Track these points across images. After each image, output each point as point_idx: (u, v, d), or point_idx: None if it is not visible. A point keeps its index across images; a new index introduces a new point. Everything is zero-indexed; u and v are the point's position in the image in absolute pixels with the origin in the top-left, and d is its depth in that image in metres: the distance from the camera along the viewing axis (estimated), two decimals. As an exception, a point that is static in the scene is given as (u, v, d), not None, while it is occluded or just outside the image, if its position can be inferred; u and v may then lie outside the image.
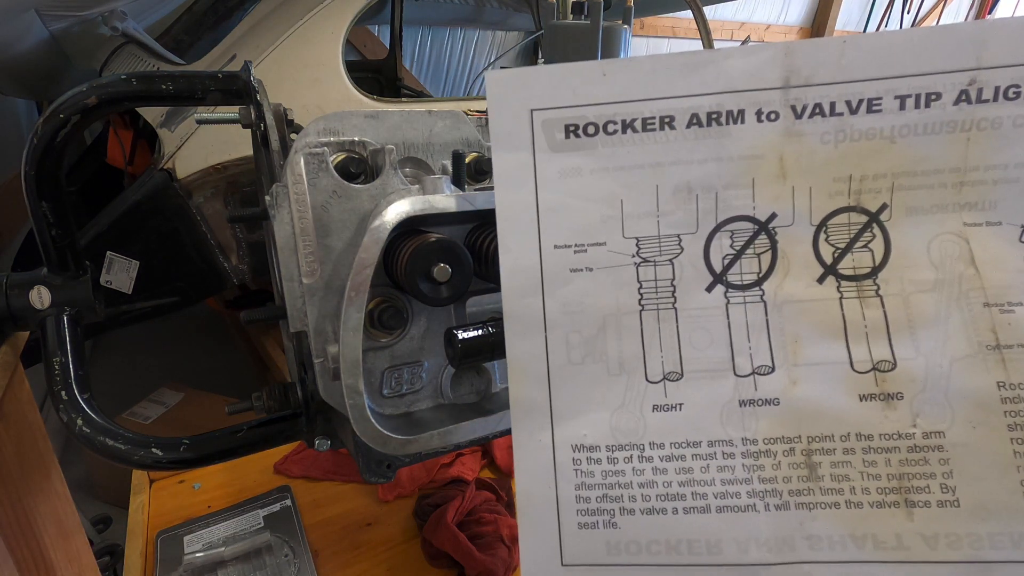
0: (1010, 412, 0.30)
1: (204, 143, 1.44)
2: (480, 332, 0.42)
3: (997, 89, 0.31)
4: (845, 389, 0.31)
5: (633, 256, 0.33)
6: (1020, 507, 0.30)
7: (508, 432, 0.50)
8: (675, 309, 0.32)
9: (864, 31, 4.92)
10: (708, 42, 1.00)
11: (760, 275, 0.33)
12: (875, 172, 0.32)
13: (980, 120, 0.31)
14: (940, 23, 5.24)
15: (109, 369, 2.10)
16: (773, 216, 0.33)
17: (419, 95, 2.77)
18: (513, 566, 0.85)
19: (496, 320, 0.44)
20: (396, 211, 0.40)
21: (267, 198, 0.43)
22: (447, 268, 0.40)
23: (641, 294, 0.33)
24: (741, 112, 0.32)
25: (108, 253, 1.36)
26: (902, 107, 0.31)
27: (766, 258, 0.33)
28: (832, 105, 0.31)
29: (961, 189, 0.32)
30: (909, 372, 0.31)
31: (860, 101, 0.31)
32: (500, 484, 0.98)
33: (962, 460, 0.30)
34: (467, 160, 0.51)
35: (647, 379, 0.32)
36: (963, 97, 0.31)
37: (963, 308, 0.31)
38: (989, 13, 5.67)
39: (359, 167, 0.46)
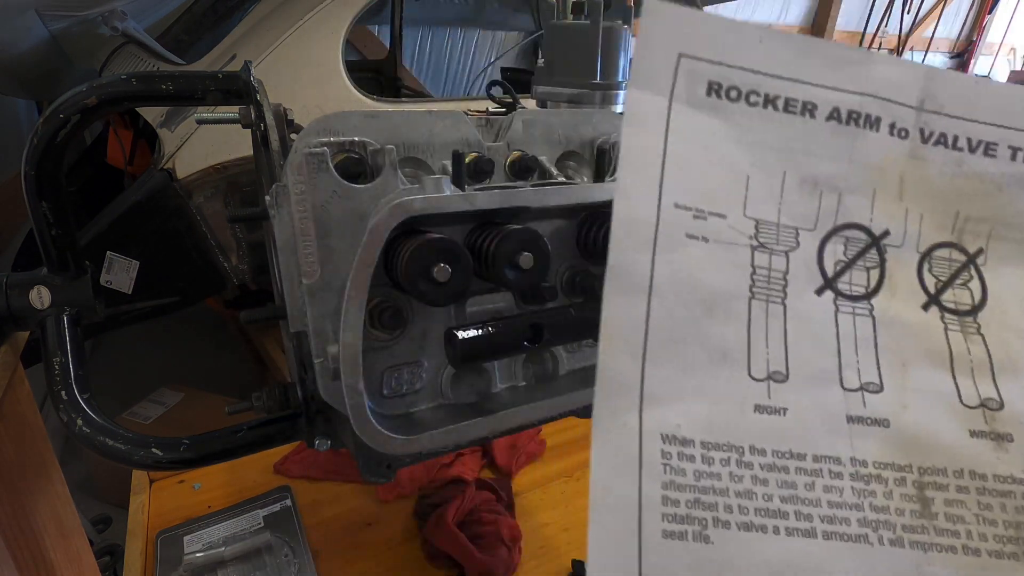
0: None
1: (204, 143, 1.44)
2: (480, 332, 0.42)
3: None
4: (956, 422, 0.29)
5: (751, 238, 0.30)
6: None
7: (508, 432, 0.50)
8: (784, 305, 0.30)
9: (864, 31, 4.93)
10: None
11: (869, 289, 0.31)
12: (978, 215, 0.32)
13: None
14: (939, 22, 5.25)
15: (109, 369, 2.09)
16: (886, 233, 0.31)
17: (419, 95, 2.77)
18: (513, 566, 0.85)
19: (496, 320, 0.44)
20: (396, 211, 0.40)
21: (267, 198, 0.43)
22: (447, 268, 0.40)
23: (753, 280, 0.29)
24: (878, 120, 0.30)
25: (108, 253, 1.36)
26: (1013, 158, 0.31)
27: (875, 273, 0.31)
28: (955, 139, 0.31)
29: None
30: (1018, 414, 0.29)
31: (980, 142, 0.31)
32: (500, 484, 0.98)
33: None
34: (467, 160, 0.51)
35: (750, 375, 0.28)
36: None
37: None
38: (989, 13, 5.68)
39: (359, 167, 0.46)
